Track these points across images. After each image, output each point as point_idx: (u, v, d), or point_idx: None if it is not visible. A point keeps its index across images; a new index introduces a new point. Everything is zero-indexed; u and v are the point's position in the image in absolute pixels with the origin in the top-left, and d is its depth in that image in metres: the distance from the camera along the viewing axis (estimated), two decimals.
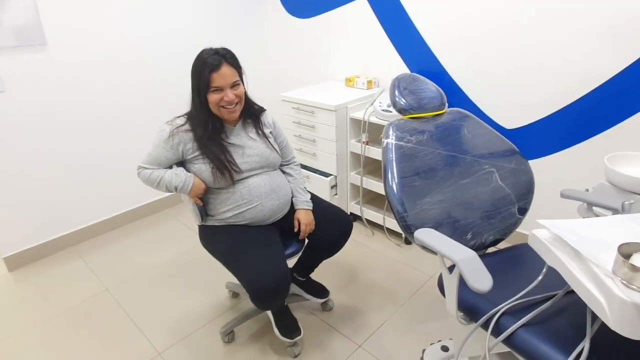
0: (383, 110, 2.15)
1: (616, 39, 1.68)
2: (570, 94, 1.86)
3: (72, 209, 2.43)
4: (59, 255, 2.40)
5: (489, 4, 1.96)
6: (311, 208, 1.64)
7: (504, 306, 1.06)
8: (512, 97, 2.04)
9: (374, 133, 2.30)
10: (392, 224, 2.37)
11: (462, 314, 1.17)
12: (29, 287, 2.14)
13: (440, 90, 1.50)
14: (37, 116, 2.16)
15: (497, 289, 1.12)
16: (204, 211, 1.56)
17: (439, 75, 2.25)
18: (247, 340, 1.74)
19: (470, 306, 1.13)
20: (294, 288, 1.87)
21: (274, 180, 1.57)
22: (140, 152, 1.57)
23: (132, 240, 2.52)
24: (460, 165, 1.39)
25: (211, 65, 1.39)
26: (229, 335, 1.74)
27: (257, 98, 1.64)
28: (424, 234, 1.11)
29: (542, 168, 2.05)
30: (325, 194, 2.44)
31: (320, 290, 1.86)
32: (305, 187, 1.69)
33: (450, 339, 1.64)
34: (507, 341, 1.03)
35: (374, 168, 2.52)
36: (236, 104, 1.47)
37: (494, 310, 1.07)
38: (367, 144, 2.29)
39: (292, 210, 1.63)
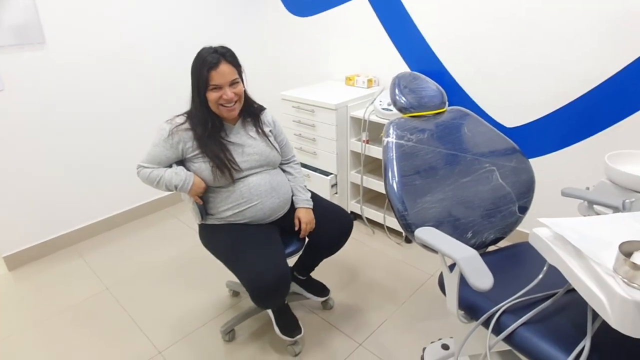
0: (383, 109, 2.15)
1: (616, 37, 1.68)
2: (570, 93, 1.86)
3: (72, 208, 2.43)
4: (59, 254, 2.40)
5: (490, 3, 1.95)
6: (311, 207, 1.64)
7: (505, 304, 1.06)
8: (513, 96, 2.04)
9: (374, 132, 2.30)
10: (393, 222, 2.37)
11: (462, 312, 1.16)
12: (29, 286, 2.14)
13: (441, 88, 1.50)
14: (36, 115, 2.16)
15: (497, 288, 1.12)
16: (204, 210, 1.56)
17: (439, 74, 2.25)
18: (247, 339, 1.74)
19: (471, 304, 1.13)
20: (295, 287, 1.87)
21: (274, 178, 1.57)
22: (140, 151, 1.57)
23: (132, 239, 2.52)
24: (460, 163, 1.39)
25: (210, 63, 1.39)
26: (229, 334, 1.74)
27: (257, 97, 1.64)
28: (425, 233, 1.11)
29: (543, 166, 2.05)
30: (325, 193, 2.43)
31: (320, 289, 1.86)
32: (305, 186, 1.69)
33: (451, 338, 1.64)
34: (508, 339, 1.03)
35: (374, 167, 2.52)
36: (235, 102, 1.46)
37: (494, 309, 1.06)
38: (367, 142, 2.28)
39: (293, 208, 1.63)
